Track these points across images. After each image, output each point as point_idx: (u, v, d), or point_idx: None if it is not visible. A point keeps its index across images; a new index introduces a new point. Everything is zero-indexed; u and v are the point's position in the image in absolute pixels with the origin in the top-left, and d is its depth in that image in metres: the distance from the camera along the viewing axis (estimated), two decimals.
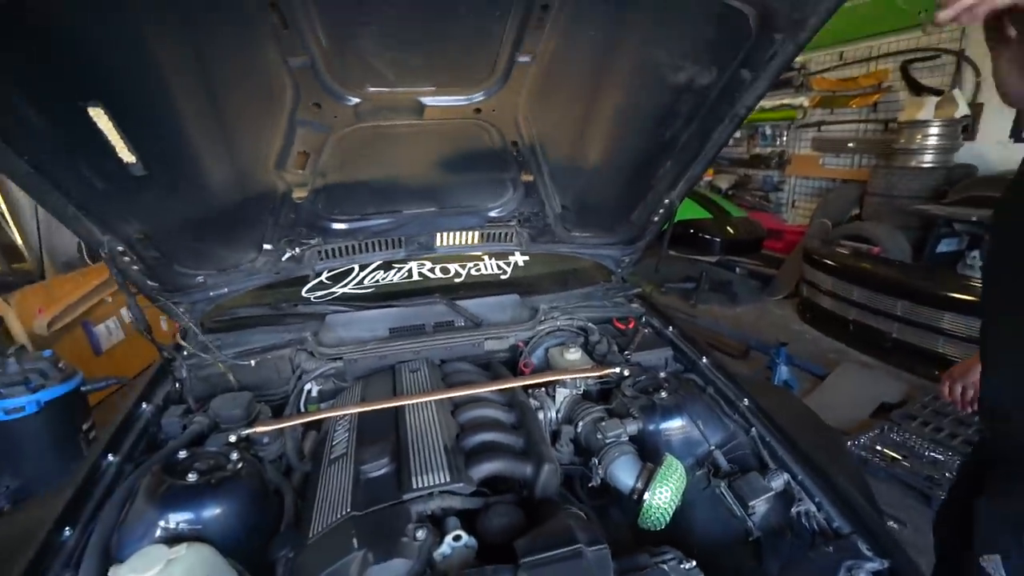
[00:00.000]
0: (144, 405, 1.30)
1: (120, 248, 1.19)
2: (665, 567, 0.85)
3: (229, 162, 1.15)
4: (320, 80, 1.02)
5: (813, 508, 1.03)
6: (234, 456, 1.10)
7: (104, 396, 2.92)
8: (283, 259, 1.44)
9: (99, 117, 0.92)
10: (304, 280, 1.64)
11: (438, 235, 1.62)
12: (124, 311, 3.52)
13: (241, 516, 1.02)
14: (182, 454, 1.09)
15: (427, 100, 1.13)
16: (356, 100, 1.10)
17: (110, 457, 1.12)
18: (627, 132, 1.34)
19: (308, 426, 1.33)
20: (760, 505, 1.04)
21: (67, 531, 0.96)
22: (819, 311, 3.95)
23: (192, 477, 1.01)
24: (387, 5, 0.88)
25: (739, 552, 1.06)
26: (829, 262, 3.84)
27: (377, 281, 1.74)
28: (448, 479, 0.99)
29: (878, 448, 2.29)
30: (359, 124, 1.17)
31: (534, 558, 0.82)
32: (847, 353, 3.53)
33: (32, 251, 3.62)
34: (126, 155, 1.00)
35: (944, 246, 3.68)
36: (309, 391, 1.48)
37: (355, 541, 0.88)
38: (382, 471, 1.06)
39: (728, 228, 4.96)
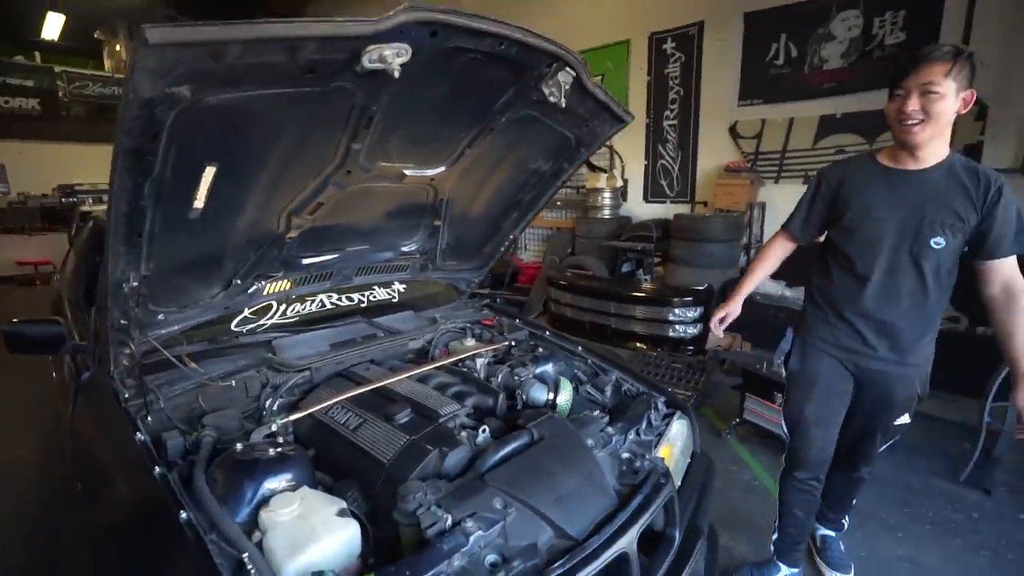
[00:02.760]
0: (138, 435, 1.39)
1: (135, 284, 1.33)
2: (589, 413, 1.62)
3: (261, 209, 1.40)
4: (358, 158, 1.43)
5: (630, 386, 1.96)
6: (280, 440, 1.40)
7: None
8: (248, 292, 1.69)
9: (207, 174, 1.18)
10: (229, 318, 1.86)
11: (356, 269, 2.07)
12: None
13: (308, 477, 1.34)
14: (239, 446, 1.33)
15: (408, 171, 1.65)
16: (371, 170, 1.52)
17: (156, 469, 1.25)
18: (498, 194, 2.08)
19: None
20: (607, 390, 1.92)
21: (183, 514, 1.09)
22: (563, 319, 5.41)
23: (272, 452, 1.30)
24: (412, 122, 1.45)
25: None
26: (565, 283, 5.37)
27: (298, 312, 2.05)
28: (459, 407, 1.55)
29: None
30: (363, 184, 1.55)
31: (533, 422, 1.47)
32: (587, 344, 4.99)
33: None
34: (199, 203, 1.24)
35: (625, 267, 5.63)
36: (271, 403, 1.74)
37: (428, 447, 1.37)
38: (409, 417, 1.51)
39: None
